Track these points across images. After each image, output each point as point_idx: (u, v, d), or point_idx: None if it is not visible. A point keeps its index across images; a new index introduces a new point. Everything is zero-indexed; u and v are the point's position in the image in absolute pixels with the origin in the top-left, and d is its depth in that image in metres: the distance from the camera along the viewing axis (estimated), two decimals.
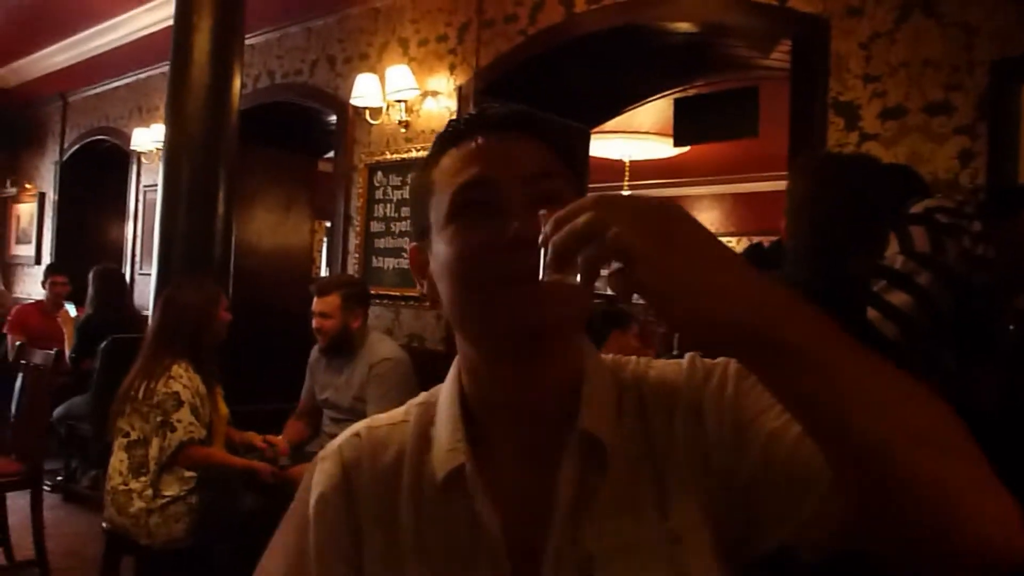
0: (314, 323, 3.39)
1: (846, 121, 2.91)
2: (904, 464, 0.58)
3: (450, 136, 0.82)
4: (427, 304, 0.86)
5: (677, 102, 4.51)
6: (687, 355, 0.83)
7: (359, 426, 0.90)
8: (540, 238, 0.62)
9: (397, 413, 0.90)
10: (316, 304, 3.38)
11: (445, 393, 0.86)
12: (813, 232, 1.80)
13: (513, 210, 0.74)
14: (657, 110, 5.46)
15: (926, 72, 2.75)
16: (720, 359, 0.81)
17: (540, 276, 0.63)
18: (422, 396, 0.90)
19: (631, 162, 7.80)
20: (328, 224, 6.10)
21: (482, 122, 0.81)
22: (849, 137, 2.89)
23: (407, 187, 4.52)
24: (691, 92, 4.38)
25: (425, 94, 4.43)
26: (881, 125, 2.84)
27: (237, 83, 3.92)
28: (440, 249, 0.78)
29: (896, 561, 0.69)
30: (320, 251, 8.21)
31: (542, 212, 0.64)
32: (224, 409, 3.15)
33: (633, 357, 0.87)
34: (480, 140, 0.79)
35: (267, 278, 5.90)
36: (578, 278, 0.61)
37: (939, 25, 2.73)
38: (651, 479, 0.78)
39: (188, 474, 2.88)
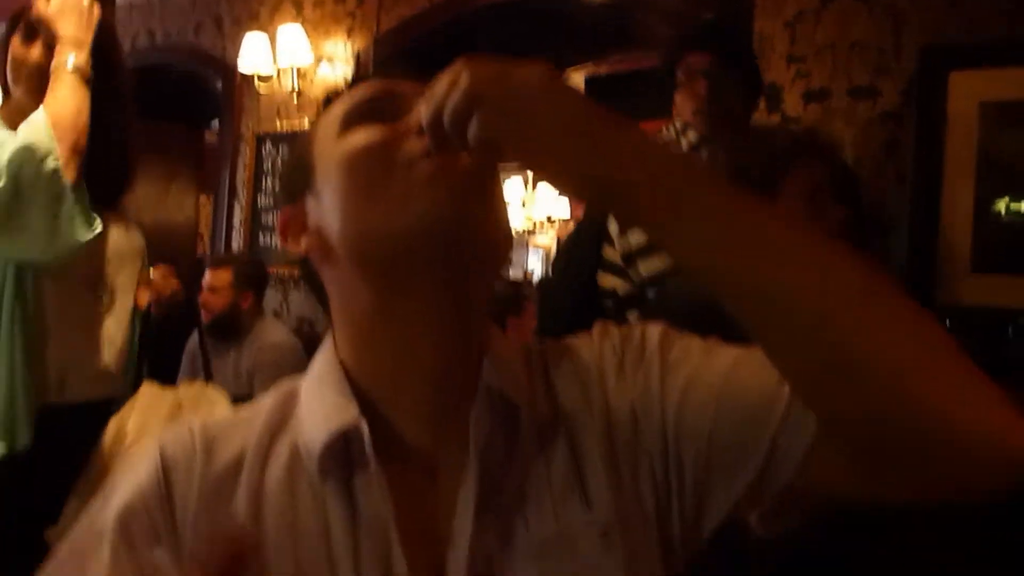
0: (201, 297, 3.12)
1: (768, 103, 2.77)
2: (849, 327, 0.52)
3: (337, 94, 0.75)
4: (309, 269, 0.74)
5: (589, 80, 4.34)
6: (596, 325, 0.76)
7: (193, 420, 0.69)
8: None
9: (245, 408, 0.72)
10: (207, 277, 3.16)
11: (316, 368, 0.72)
12: None
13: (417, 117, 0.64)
14: None
15: (852, 54, 2.63)
16: (638, 324, 0.74)
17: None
18: (281, 385, 0.75)
19: None
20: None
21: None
22: (770, 120, 2.76)
23: None
24: (604, 70, 4.21)
25: (320, 60, 4.10)
26: (804, 108, 2.72)
27: None
28: (331, 172, 0.68)
29: (870, 494, 0.61)
30: (208, 228, 7.75)
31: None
32: None
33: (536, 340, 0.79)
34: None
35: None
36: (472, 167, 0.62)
37: (867, 6, 2.62)
38: (570, 460, 0.67)
39: None
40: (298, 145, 0.76)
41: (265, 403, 0.73)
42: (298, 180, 0.73)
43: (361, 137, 0.67)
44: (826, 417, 0.57)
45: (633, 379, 0.69)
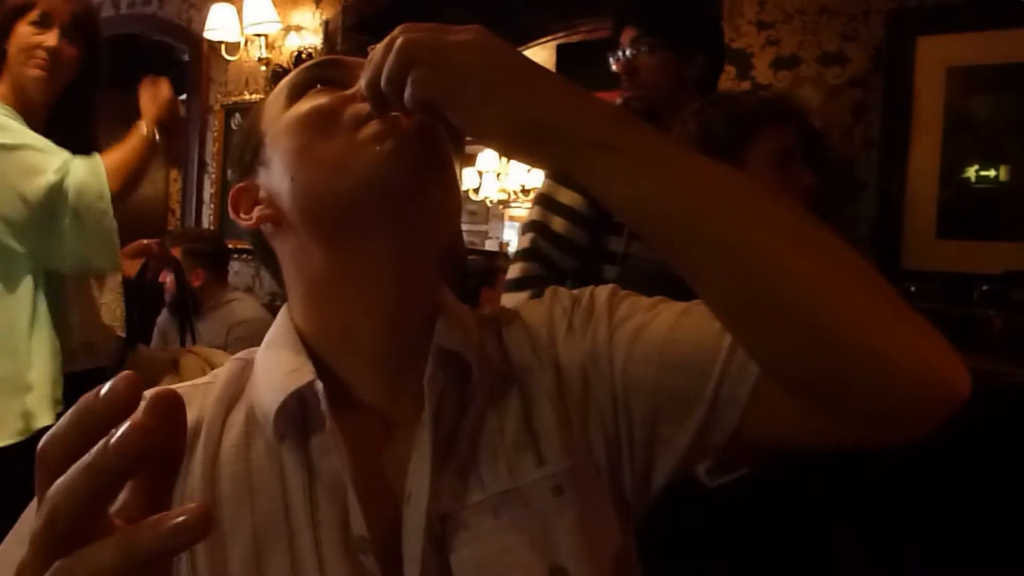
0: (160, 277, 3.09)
1: (738, 70, 2.77)
2: (774, 257, 0.53)
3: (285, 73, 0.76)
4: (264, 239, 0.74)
5: (560, 49, 4.31)
6: (548, 290, 0.78)
7: (148, 391, 0.69)
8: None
9: (202, 378, 0.73)
10: None
11: (271, 334, 0.73)
12: None
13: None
14: (540, 58, 5.23)
15: (821, 20, 2.63)
16: (588, 287, 0.76)
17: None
18: (237, 356, 0.76)
19: None
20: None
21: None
22: (741, 87, 2.75)
23: None
24: (576, 38, 4.18)
25: (288, 29, 4.02)
26: (774, 75, 2.72)
27: None
28: (279, 139, 0.70)
29: (814, 438, 0.62)
30: (179, 202, 7.66)
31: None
32: None
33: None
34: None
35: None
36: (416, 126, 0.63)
37: None
38: (522, 417, 0.69)
39: None
40: (247, 123, 0.77)
41: (221, 372, 0.73)
42: (247, 156, 0.74)
43: (308, 102, 0.69)
44: (761, 358, 0.59)
45: (582, 337, 0.71)
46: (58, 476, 0.34)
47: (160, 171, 5.85)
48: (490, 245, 8.36)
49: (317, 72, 0.72)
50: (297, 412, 0.66)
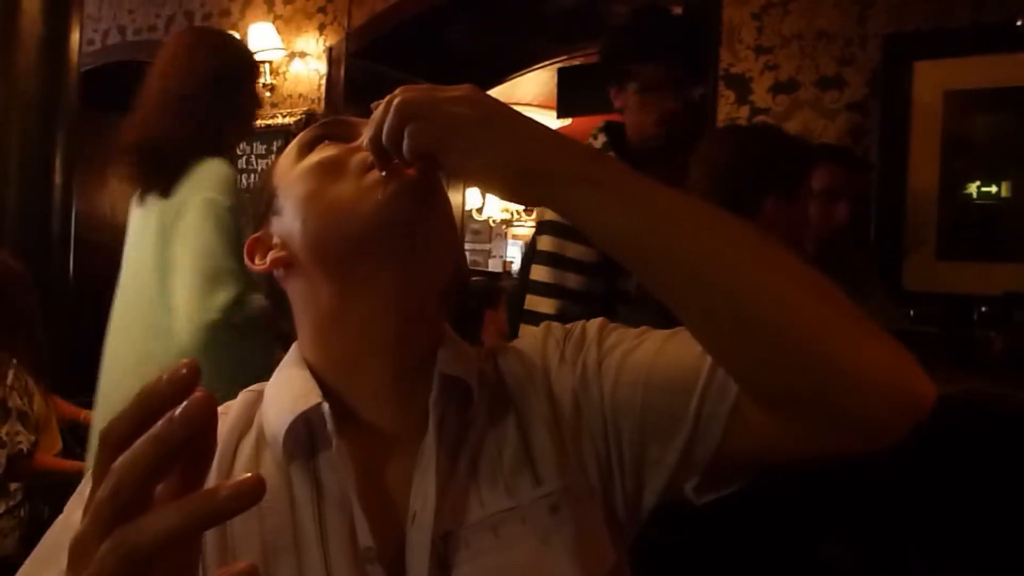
0: None
1: (737, 94, 2.80)
2: (742, 276, 0.58)
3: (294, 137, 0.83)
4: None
5: (561, 72, 4.35)
6: (542, 325, 0.83)
7: None
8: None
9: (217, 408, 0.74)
10: None
11: (281, 366, 0.78)
12: (739, 192, 1.62)
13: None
14: (541, 81, 5.30)
15: (819, 45, 2.66)
16: (579, 322, 0.80)
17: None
18: (251, 387, 0.80)
19: None
20: None
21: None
22: (740, 111, 2.79)
23: (272, 156, 4.19)
24: (576, 62, 4.22)
25: (292, 55, 4.09)
26: (772, 99, 2.74)
27: (76, 37, 3.48)
28: (291, 188, 0.75)
29: (793, 450, 0.66)
30: None
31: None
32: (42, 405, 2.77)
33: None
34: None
35: (119, 254, 5.40)
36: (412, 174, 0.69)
37: None
38: (519, 441, 0.73)
39: (15, 486, 2.53)
40: (259, 180, 0.83)
41: (233, 404, 0.78)
42: (261, 208, 0.80)
43: (317, 155, 0.75)
44: (739, 374, 0.63)
45: (573, 365, 0.76)
46: (121, 453, 0.37)
47: None
48: (493, 264, 8.39)
49: (324, 130, 0.78)
50: (304, 433, 0.70)
